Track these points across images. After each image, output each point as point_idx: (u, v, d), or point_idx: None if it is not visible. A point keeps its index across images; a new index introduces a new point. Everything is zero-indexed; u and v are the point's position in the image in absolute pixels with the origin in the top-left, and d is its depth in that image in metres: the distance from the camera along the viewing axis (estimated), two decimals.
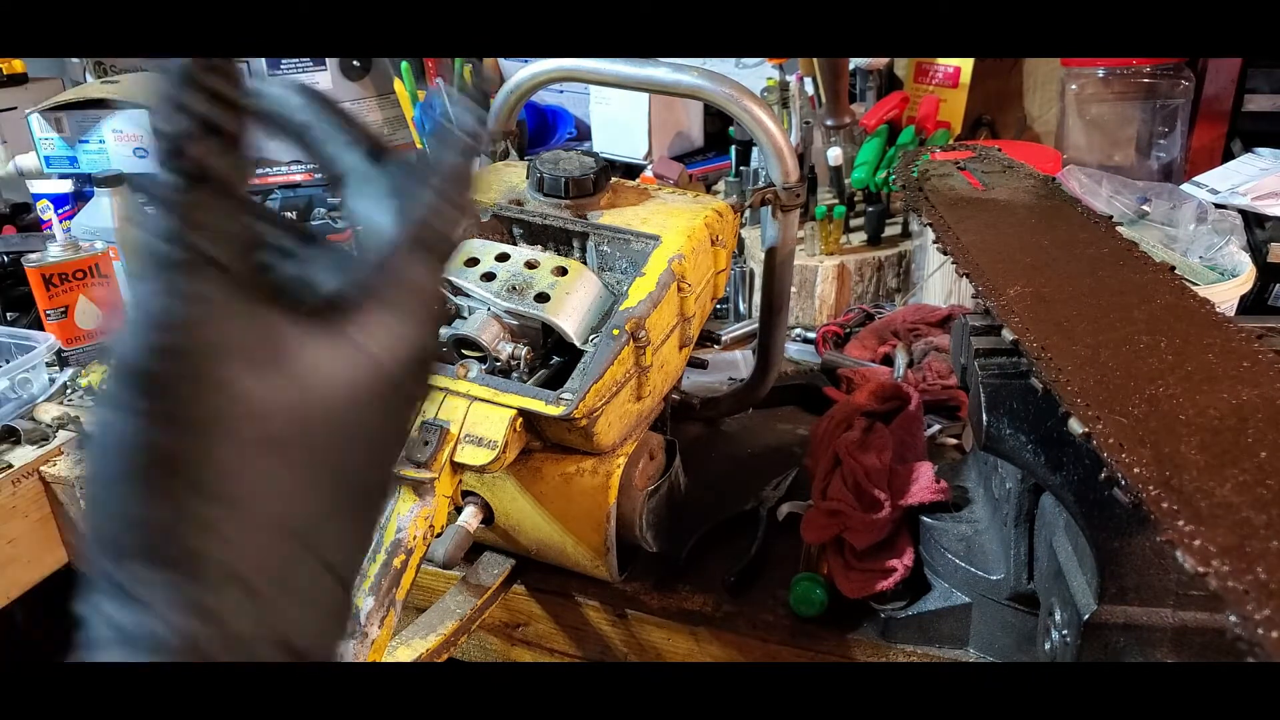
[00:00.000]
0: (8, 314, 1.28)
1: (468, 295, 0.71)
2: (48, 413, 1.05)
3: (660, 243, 0.71)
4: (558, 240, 0.76)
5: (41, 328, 1.16)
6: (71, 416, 1.04)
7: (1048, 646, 0.59)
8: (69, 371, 1.15)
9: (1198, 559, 0.34)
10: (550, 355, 0.72)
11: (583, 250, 0.76)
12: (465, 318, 0.71)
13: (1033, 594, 0.63)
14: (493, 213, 0.76)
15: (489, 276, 0.70)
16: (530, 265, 0.71)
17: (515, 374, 0.70)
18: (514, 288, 0.69)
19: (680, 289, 0.70)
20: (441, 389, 0.67)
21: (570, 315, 0.69)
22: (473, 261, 0.72)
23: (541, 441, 0.71)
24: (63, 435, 1.04)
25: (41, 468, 1.00)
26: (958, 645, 0.69)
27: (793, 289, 1.18)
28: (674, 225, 0.73)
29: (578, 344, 0.69)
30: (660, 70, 0.76)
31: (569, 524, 0.71)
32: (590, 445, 0.68)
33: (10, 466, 0.99)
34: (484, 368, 0.69)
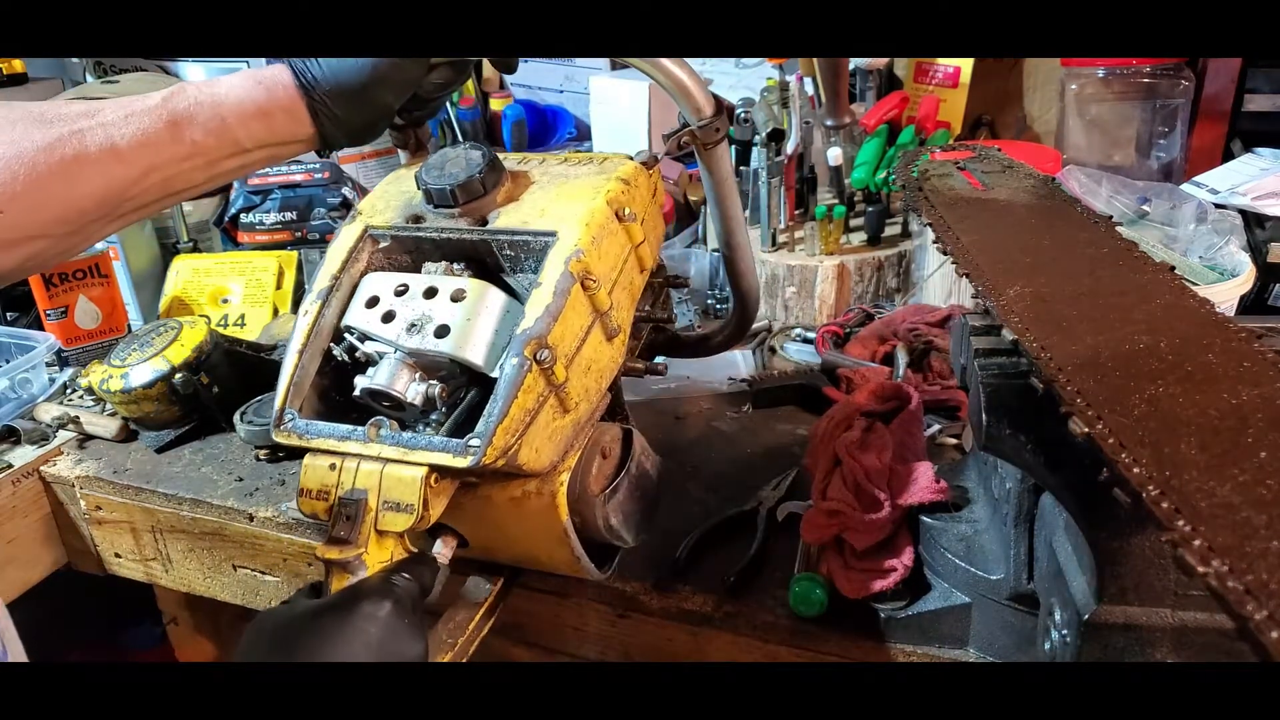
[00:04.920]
0: (8, 314, 1.28)
1: (374, 339, 0.68)
2: (48, 413, 1.05)
3: (556, 240, 0.66)
4: (463, 251, 0.71)
5: (41, 328, 1.16)
6: (71, 416, 1.04)
7: (1048, 646, 0.59)
8: (69, 371, 1.15)
9: (1198, 559, 0.34)
10: (472, 384, 0.68)
11: (491, 256, 0.71)
12: (377, 364, 0.67)
13: (1033, 594, 0.63)
14: (390, 236, 0.72)
15: (389, 316, 0.67)
16: (429, 294, 0.67)
17: (435, 415, 0.66)
18: (413, 325, 0.65)
19: (586, 286, 0.65)
20: (355, 455, 0.64)
21: (475, 345, 0.65)
22: (374, 301, 0.68)
23: (477, 477, 0.67)
24: (63, 435, 1.04)
25: (41, 468, 1.00)
26: (958, 645, 0.69)
27: (792, 289, 1.18)
28: (572, 214, 0.67)
29: (487, 372, 0.65)
30: None
31: (534, 541, 0.69)
32: (524, 473, 0.65)
33: (10, 466, 0.99)
34: (395, 423, 0.65)
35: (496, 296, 0.67)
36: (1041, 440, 0.57)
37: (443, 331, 0.65)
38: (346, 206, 1.34)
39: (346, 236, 0.72)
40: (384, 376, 0.65)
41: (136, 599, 1.22)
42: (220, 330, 1.10)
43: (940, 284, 1.14)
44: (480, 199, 0.69)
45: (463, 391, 0.67)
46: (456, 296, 0.66)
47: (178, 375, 0.98)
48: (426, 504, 0.62)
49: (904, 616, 0.69)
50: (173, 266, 1.30)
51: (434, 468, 0.62)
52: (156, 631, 1.31)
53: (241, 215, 1.34)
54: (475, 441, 0.61)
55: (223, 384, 1.02)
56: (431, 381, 0.66)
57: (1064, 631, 0.56)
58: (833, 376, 1.03)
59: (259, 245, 1.34)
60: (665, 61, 0.72)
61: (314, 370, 0.68)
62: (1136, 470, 0.40)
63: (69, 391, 1.12)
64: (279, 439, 0.66)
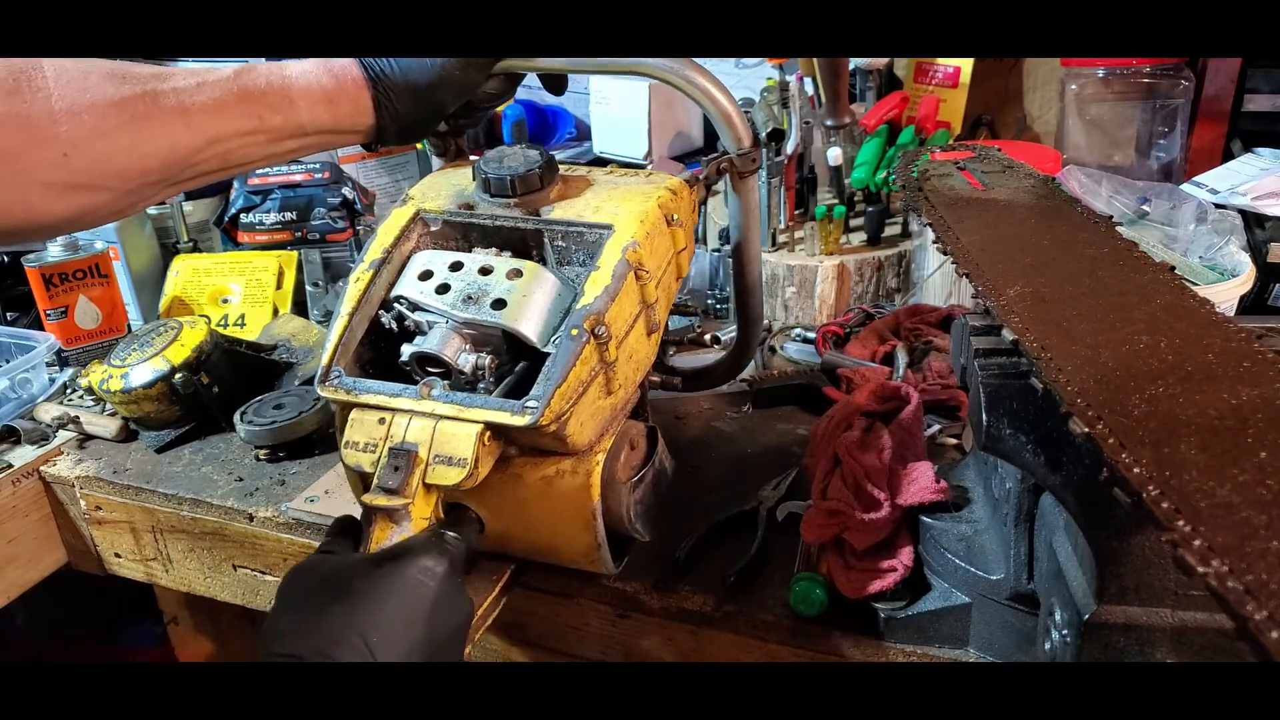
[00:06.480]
0: (8, 314, 1.28)
1: (426, 310, 0.70)
2: (48, 413, 1.05)
3: (613, 232, 0.70)
4: (512, 240, 0.75)
5: (41, 328, 1.16)
6: (71, 416, 1.04)
7: (1048, 646, 0.59)
8: (69, 371, 1.15)
9: (1198, 559, 0.34)
10: (517, 360, 0.71)
11: (540, 247, 0.74)
12: (425, 333, 0.70)
13: (1033, 594, 0.63)
14: (443, 220, 0.75)
15: (444, 288, 0.69)
16: (484, 271, 0.70)
17: (482, 384, 0.69)
18: (469, 297, 0.68)
19: (639, 276, 0.69)
20: (406, 411, 0.66)
21: (530, 319, 0.68)
22: (427, 275, 0.70)
23: (517, 447, 0.70)
24: (63, 435, 1.04)
25: (41, 468, 1.00)
26: (958, 645, 0.69)
27: (792, 289, 1.18)
28: (626, 211, 0.71)
29: (539, 346, 0.67)
30: None
31: (557, 525, 0.71)
32: (565, 447, 0.67)
33: (10, 466, 0.99)
34: (447, 384, 0.68)
35: (551, 278, 0.70)
36: (1041, 440, 0.57)
37: (499, 305, 0.68)
38: (346, 206, 1.34)
39: (397, 217, 0.75)
40: (436, 341, 0.68)
41: (136, 599, 1.22)
42: (220, 330, 1.10)
43: (940, 284, 1.14)
44: (536, 192, 0.73)
45: (509, 365, 0.70)
46: (512, 275, 0.69)
47: (178, 375, 0.98)
48: (478, 460, 0.64)
49: (904, 616, 0.69)
50: (173, 266, 1.30)
51: (489, 425, 0.64)
52: (156, 631, 1.31)
53: (241, 215, 1.34)
54: (533, 403, 0.63)
55: (223, 384, 1.02)
56: (481, 352, 0.68)
57: (1064, 631, 0.56)
58: (833, 376, 1.03)
59: (259, 245, 1.34)
60: (714, 91, 0.75)
61: (361, 334, 0.70)
62: (1136, 470, 0.40)
63: (69, 391, 1.12)
64: (325, 393, 0.68)
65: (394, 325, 0.72)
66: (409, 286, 0.71)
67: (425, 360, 0.69)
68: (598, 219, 0.71)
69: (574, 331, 0.65)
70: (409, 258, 0.73)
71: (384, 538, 0.62)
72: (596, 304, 0.66)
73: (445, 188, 0.77)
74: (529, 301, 0.68)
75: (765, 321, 1.20)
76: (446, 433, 0.65)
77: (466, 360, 0.68)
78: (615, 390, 0.70)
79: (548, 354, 0.66)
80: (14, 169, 0.58)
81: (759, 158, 0.79)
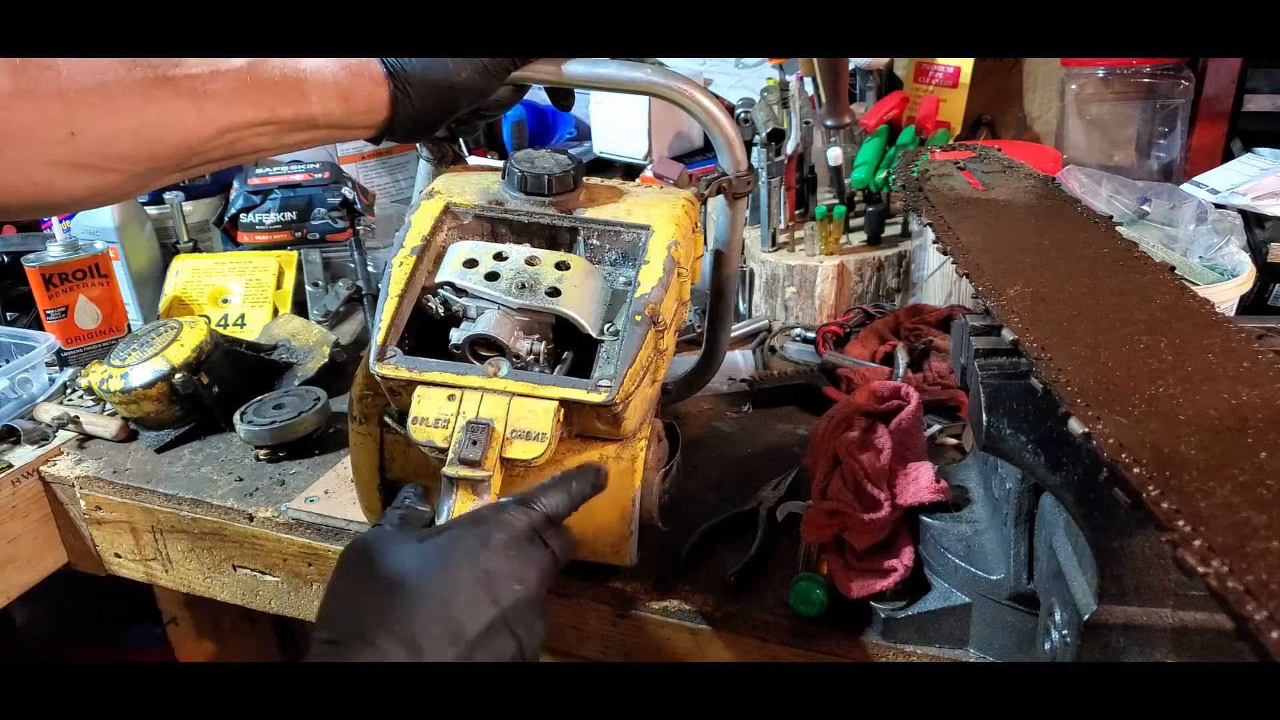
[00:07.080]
0: (8, 314, 1.28)
1: (473, 296, 0.71)
2: (48, 413, 1.05)
3: (653, 232, 0.72)
4: (541, 237, 0.77)
5: (41, 328, 1.16)
6: (71, 416, 1.04)
7: (1048, 646, 0.59)
8: (69, 371, 1.15)
9: (1198, 559, 0.34)
10: (561, 347, 0.73)
11: (569, 246, 0.76)
12: (473, 319, 0.71)
13: (1033, 594, 0.63)
14: (473, 214, 0.76)
15: (493, 276, 0.70)
16: (531, 262, 0.71)
17: (537, 368, 0.70)
18: (523, 285, 0.69)
19: (679, 274, 0.72)
20: (477, 388, 0.67)
21: (584, 308, 0.69)
22: (471, 263, 0.72)
23: (566, 432, 0.71)
24: (63, 435, 1.04)
25: (41, 468, 1.00)
26: (958, 645, 0.69)
27: (792, 289, 1.18)
28: (659, 215, 0.74)
29: (594, 335, 0.69)
30: (610, 68, 0.76)
31: (595, 511, 0.71)
32: (617, 431, 0.69)
33: (10, 466, 0.99)
34: (511, 365, 0.70)
35: (596, 271, 0.73)
36: (1041, 440, 0.57)
37: (553, 293, 0.69)
38: (346, 206, 1.34)
39: (429, 209, 0.75)
40: (492, 325, 0.69)
41: (136, 599, 1.22)
42: (220, 330, 1.10)
43: (940, 284, 1.14)
44: (569, 193, 0.75)
45: (561, 352, 0.72)
46: (561, 265, 0.71)
47: (178, 375, 0.98)
48: (554, 436, 0.65)
49: (904, 616, 0.69)
50: (173, 266, 1.30)
51: (564, 402, 0.66)
52: (156, 631, 1.31)
53: (241, 215, 1.34)
54: (605, 382, 0.65)
55: (223, 384, 1.02)
56: (535, 337, 0.70)
57: (1064, 631, 0.56)
58: (833, 376, 1.03)
59: (259, 245, 1.34)
60: (720, 116, 0.76)
61: (408, 315, 0.71)
62: (1136, 470, 0.40)
63: (69, 391, 1.12)
64: (382, 372, 0.68)
65: (440, 310, 0.73)
66: (455, 273, 0.71)
67: (479, 343, 0.70)
68: (632, 220, 0.74)
69: (637, 317, 0.67)
70: (444, 248, 0.74)
71: (465, 509, 0.63)
72: (653, 294, 0.68)
73: (470, 185, 0.79)
74: (581, 291, 0.70)
75: (765, 321, 1.20)
76: (522, 409, 0.66)
77: (523, 344, 0.69)
78: (657, 380, 0.72)
79: (597, 342, 0.68)
80: (20, 146, 0.58)
81: (754, 180, 0.81)
